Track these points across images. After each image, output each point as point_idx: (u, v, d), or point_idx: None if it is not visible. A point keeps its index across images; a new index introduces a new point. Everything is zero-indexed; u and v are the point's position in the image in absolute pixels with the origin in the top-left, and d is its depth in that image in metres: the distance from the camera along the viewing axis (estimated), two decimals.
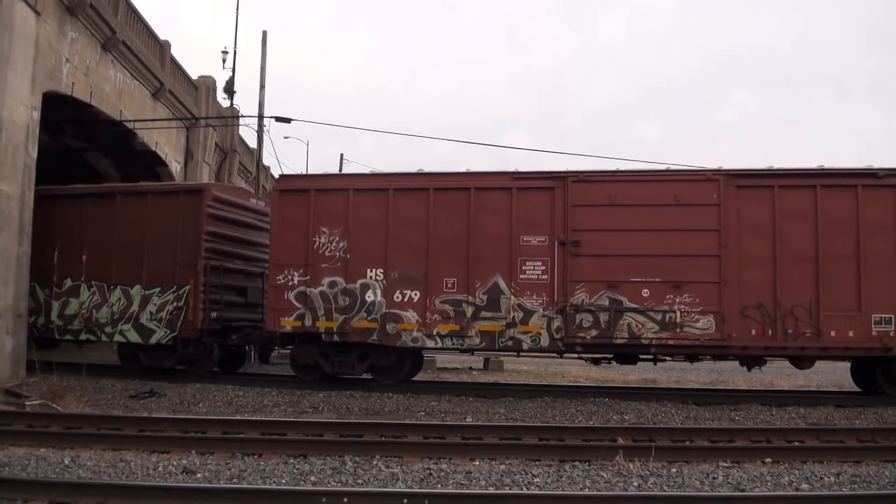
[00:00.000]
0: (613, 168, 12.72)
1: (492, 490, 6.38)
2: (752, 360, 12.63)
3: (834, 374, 13.45)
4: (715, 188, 12.18)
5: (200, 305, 13.97)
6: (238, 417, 9.92)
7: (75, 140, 20.41)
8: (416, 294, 12.72)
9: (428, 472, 6.91)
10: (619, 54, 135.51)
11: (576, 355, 13.32)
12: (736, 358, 12.76)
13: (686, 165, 14.35)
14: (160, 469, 6.92)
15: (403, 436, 8.42)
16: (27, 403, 10.47)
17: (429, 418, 10.46)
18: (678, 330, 12.01)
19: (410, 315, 12.73)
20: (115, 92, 18.67)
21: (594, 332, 12.21)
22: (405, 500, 5.68)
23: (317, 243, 13.03)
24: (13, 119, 12.96)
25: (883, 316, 11.74)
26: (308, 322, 12.91)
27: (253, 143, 27.26)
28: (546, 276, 12.41)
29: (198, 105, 25.55)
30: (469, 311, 12.57)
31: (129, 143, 20.75)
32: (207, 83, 26.62)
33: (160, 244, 14.25)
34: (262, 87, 23.77)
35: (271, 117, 23.41)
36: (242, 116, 28.28)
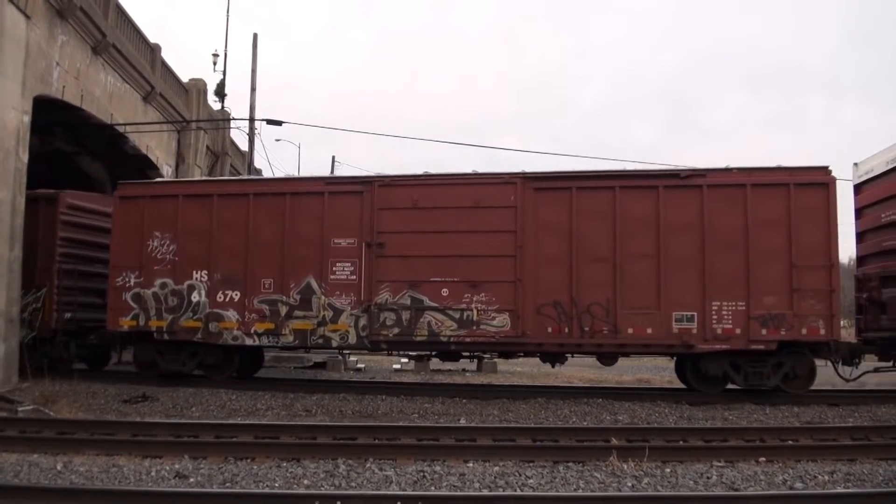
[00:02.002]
0: (420, 172, 13.06)
1: (486, 492, 6.38)
2: (551, 357, 13.00)
3: (827, 374, 13.48)
4: (512, 191, 12.51)
5: (54, 307, 14.80)
6: (231, 421, 9.86)
7: (66, 144, 20.33)
8: (236, 294, 13.24)
9: (422, 474, 6.91)
10: (613, 55, 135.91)
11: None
12: (534, 354, 13.15)
13: (676, 165, 14.36)
14: (153, 474, 6.90)
15: (397, 438, 8.41)
16: (19, 409, 10.41)
17: (422, 420, 10.46)
18: (475, 328, 12.40)
19: (231, 314, 13.22)
20: (105, 95, 18.60)
21: (397, 330, 12.60)
22: (399, 503, 5.68)
23: (150, 247, 13.67)
24: (4, 123, 12.90)
25: (685, 314, 11.97)
26: (142, 321, 13.52)
27: (245, 146, 27.23)
28: (354, 277, 12.85)
29: (189, 108, 25.51)
30: (283, 310, 13.03)
31: (120, 147, 20.67)
32: (198, 86, 26.60)
33: (25, 249, 14.61)
34: (253, 89, 23.71)
35: (262, 120, 23.39)
36: (233, 119, 28.21)
